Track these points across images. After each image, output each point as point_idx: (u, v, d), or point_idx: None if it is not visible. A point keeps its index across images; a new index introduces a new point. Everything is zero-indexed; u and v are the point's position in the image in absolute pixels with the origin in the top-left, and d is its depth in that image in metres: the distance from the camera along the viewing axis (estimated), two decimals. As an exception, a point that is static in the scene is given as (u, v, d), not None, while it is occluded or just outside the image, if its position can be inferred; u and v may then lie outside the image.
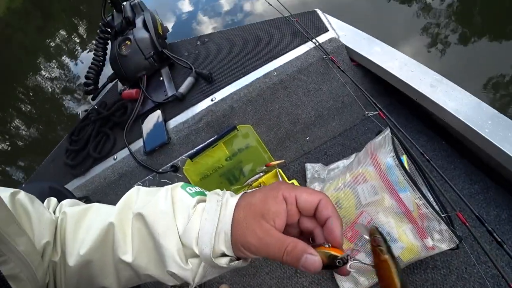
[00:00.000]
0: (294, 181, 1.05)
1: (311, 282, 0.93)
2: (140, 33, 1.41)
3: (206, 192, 0.41)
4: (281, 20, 1.27)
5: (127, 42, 1.41)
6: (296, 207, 0.34)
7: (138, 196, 0.41)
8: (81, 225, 0.42)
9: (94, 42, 1.59)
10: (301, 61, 1.10)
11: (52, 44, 6.24)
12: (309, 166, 1.05)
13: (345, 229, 0.83)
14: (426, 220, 0.75)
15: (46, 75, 5.41)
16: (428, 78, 0.95)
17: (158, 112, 1.26)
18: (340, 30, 1.16)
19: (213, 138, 1.04)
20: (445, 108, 0.89)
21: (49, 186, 0.91)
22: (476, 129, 0.84)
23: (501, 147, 0.80)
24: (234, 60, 1.22)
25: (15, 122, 4.84)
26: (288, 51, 1.13)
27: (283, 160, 1.08)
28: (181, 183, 0.42)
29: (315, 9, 1.27)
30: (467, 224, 0.68)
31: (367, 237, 0.39)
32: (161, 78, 1.37)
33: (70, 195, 0.99)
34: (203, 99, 1.17)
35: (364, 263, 0.37)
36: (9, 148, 4.51)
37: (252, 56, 1.19)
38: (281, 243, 0.32)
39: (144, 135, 1.22)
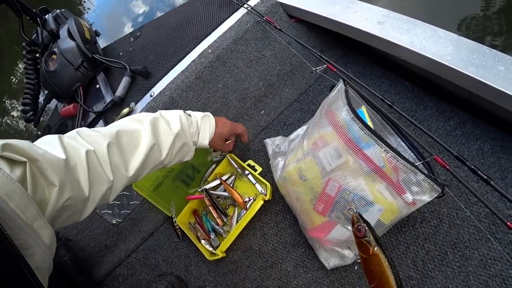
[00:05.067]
0: (250, 161, 0.95)
1: (296, 265, 0.85)
2: (64, 43, 1.28)
3: (195, 114, 0.77)
4: None
5: (53, 56, 1.28)
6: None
7: (160, 122, 0.68)
8: (124, 147, 0.60)
9: (22, 66, 1.46)
10: (235, 30, 0.98)
11: (14, 79, 5.95)
12: (268, 141, 0.95)
13: (315, 203, 0.73)
14: (401, 174, 0.65)
15: (15, 115, 5.17)
16: (375, 16, 0.84)
17: (100, 123, 1.14)
18: None
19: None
20: (398, 44, 0.78)
21: None
22: (437, 59, 0.74)
23: (468, 73, 0.70)
24: (168, 48, 1.10)
25: None
26: (220, 24, 1.01)
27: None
28: (179, 110, 0.73)
29: None
30: (448, 167, 0.59)
31: (350, 228, 0.31)
32: (98, 86, 1.24)
33: None
34: (142, 97, 1.05)
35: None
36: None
37: (184, 39, 1.07)
38: (225, 145, 0.86)
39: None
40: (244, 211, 0.91)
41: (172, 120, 0.69)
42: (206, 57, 0.97)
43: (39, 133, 1.34)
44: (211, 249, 0.91)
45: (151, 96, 1.02)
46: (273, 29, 0.94)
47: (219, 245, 0.90)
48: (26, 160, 0.43)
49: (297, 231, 0.87)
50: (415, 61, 0.79)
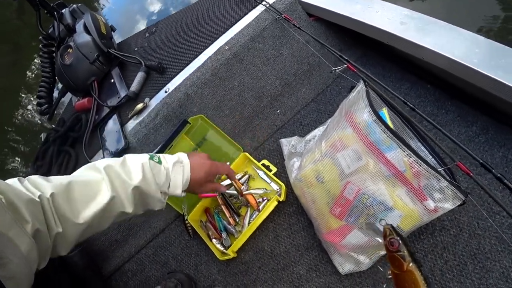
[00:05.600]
0: (264, 161, 0.94)
1: (308, 269, 0.83)
2: (80, 37, 1.28)
3: (167, 158, 0.69)
4: None
5: (68, 50, 1.29)
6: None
7: (119, 173, 0.62)
8: (76, 197, 0.57)
9: (38, 60, 1.47)
10: (252, 28, 0.96)
11: (30, 74, 6.03)
12: (284, 141, 0.93)
13: (332, 206, 0.71)
14: (423, 179, 0.63)
15: (31, 108, 5.25)
16: (397, 16, 0.82)
17: (114, 118, 1.14)
18: None
19: (166, 139, 0.92)
20: (421, 45, 0.76)
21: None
22: (462, 62, 0.71)
23: (495, 77, 0.67)
24: (184, 44, 1.09)
25: (13, 163, 4.70)
26: (237, 21, 1.00)
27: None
28: (147, 155, 0.67)
29: None
30: (471, 174, 0.56)
31: (381, 240, 0.29)
32: (112, 80, 1.24)
33: None
34: (157, 93, 1.04)
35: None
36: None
37: (201, 35, 1.06)
38: (208, 188, 0.76)
39: (103, 145, 1.11)
40: (257, 212, 0.89)
41: (134, 169, 0.64)
42: (223, 54, 0.96)
43: (53, 126, 1.34)
44: (222, 248, 0.89)
45: (166, 92, 1.02)
46: (291, 27, 0.93)
47: (231, 245, 0.88)
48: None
49: (311, 234, 0.85)
50: (438, 63, 0.77)
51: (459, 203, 0.61)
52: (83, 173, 0.63)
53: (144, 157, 0.66)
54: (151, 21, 3.49)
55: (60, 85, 1.47)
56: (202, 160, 0.74)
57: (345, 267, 0.76)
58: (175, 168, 0.69)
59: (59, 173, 1.17)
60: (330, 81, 1.01)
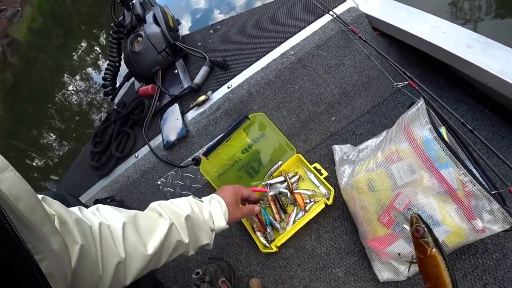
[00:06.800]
0: (316, 164, 0.98)
1: (347, 272, 0.87)
2: (150, 28, 1.38)
3: (203, 199, 0.77)
4: None
5: (138, 38, 1.39)
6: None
7: (171, 206, 0.69)
8: (142, 228, 0.62)
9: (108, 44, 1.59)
10: (318, 36, 1.01)
11: (76, 58, 6.42)
12: (337, 148, 0.97)
13: (381, 214, 0.75)
14: (474, 199, 0.65)
15: (72, 90, 5.58)
16: (464, 38, 0.84)
17: (175, 106, 1.23)
18: None
19: (225, 132, 0.99)
20: (487, 70, 0.78)
21: (54, 193, 0.95)
22: None
23: None
24: (248, 44, 1.16)
25: (47, 139, 5.04)
26: (303, 28, 1.05)
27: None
28: (192, 196, 0.76)
29: None
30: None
31: (407, 228, 0.32)
32: (176, 71, 1.33)
33: (74, 202, 1.03)
34: (219, 87, 1.11)
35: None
36: (44, 164, 4.71)
37: (266, 37, 1.12)
38: (245, 210, 0.84)
39: (163, 131, 1.19)
40: (303, 212, 0.94)
41: (183, 203, 0.71)
42: (288, 58, 1.01)
43: (115, 107, 1.46)
44: (265, 241, 0.95)
45: (228, 87, 1.08)
46: (356, 39, 0.97)
47: (274, 239, 0.94)
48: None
49: (353, 239, 0.89)
50: (502, 90, 0.78)
51: (507, 227, 0.63)
52: (143, 212, 0.67)
53: (187, 197, 0.74)
54: (210, 19, 3.65)
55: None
56: (225, 188, 0.82)
57: (384, 274, 0.80)
58: (212, 204, 0.76)
59: (117, 150, 1.27)
60: (387, 95, 1.04)
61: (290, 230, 0.91)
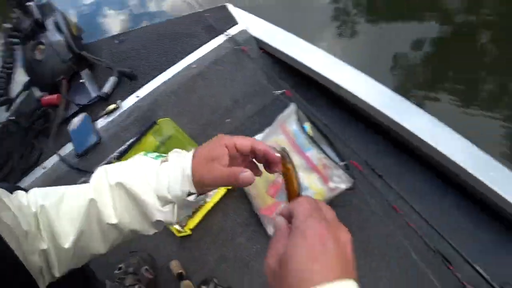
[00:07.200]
0: None
1: (248, 239, 1.06)
2: (53, 36, 1.39)
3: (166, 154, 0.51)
4: (195, 16, 1.38)
5: (40, 46, 1.38)
6: (235, 149, 0.45)
7: (107, 172, 0.49)
8: (64, 211, 0.47)
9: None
10: (215, 52, 1.23)
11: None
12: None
13: (267, 188, 0.99)
14: (328, 169, 0.94)
15: None
16: (321, 58, 1.15)
17: (83, 114, 1.28)
18: (249, 22, 1.31)
19: (134, 138, 1.09)
20: (338, 84, 1.09)
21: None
22: (363, 99, 1.06)
23: (385, 113, 1.03)
24: (154, 56, 1.30)
25: None
26: (203, 44, 1.25)
27: None
28: (142, 153, 0.53)
29: (226, 4, 1.40)
30: (360, 168, 0.89)
31: (278, 155, 0.46)
32: (81, 81, 1.37)
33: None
34: (128, 96, 1.23)
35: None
36: None
37: (171, 51, 1.28)
38: (225, 173, 0.44)
39: (73, 139, 1.23)
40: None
41: (123, 165, 0.52)
42: (190, 71, 1.20)
43: (13, 118, 1.40)
44: (179, 228, 1.08)
45: (137, 96, 1.22)
46: (246, 57, 1.21)
47: (186, 224, 1.09)
48: None
49: (251, 213, 1.09)
50: (348, 96, 1.10)
51: (350, 186, 0.93)
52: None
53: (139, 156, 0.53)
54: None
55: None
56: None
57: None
58: (172, 157, 0.49)
59: (18, 164, 1.24)
60: (269, 101, 1.30)
61: (200, 213, 1.08)
